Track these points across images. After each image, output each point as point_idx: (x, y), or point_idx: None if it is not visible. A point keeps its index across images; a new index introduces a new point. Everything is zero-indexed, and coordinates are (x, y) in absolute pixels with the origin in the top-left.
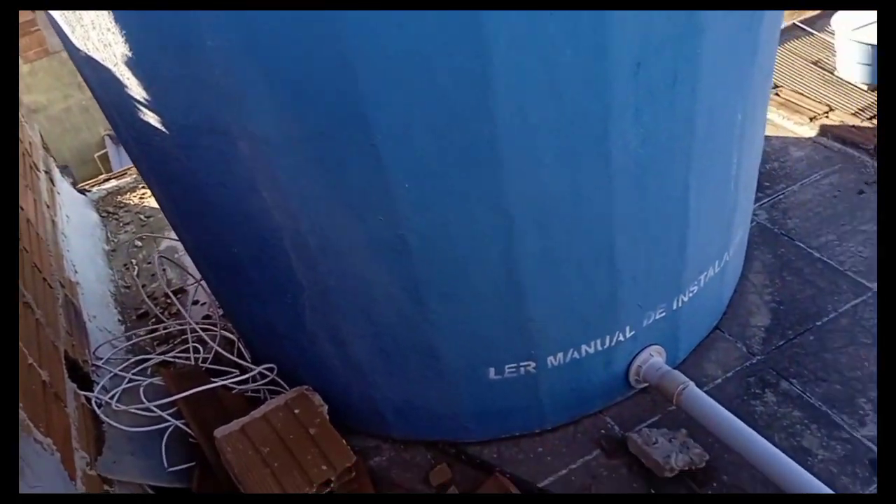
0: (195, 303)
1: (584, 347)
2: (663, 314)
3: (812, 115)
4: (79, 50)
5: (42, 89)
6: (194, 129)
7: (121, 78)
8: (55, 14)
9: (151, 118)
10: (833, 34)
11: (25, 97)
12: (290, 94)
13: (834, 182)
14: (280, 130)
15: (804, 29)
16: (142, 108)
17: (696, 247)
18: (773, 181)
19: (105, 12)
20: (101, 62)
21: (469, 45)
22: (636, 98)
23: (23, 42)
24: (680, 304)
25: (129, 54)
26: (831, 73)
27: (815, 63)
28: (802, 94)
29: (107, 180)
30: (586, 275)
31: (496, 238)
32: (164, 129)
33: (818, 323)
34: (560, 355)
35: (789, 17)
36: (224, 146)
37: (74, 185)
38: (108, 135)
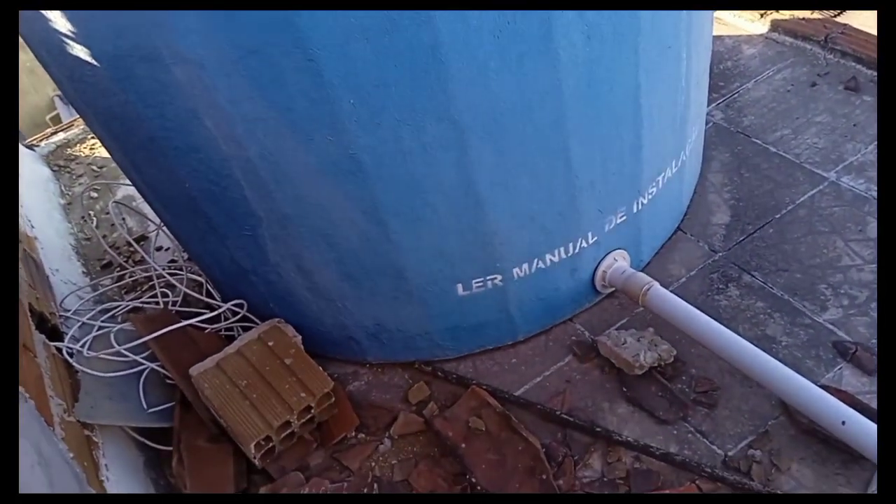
0: (158, 248)
1: (548, 257)
2: (624, 218)
3: (762, 10)
4: None
5: None
6: (126, 57)
7: (44, 13)
8: None
9: (80, 51)
10: None
11: None
12: (217, 14)
13: (787, 76)
14: (212, 51)
15: None
16: (68, 40)
17: (652, 147)
18: (727, 80)
19: None
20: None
21: None
22: None
23: None
24: (640, 207)
25: None
26: None
27: None
28: None
29: (54, 133)
30: (543, 182)
31: (448, 150)
32: (94, 62)
33: (777, 216)
34: (525, 266)
35: None
36: (159, 74)
37: (22, 141)
38: (57, 95)
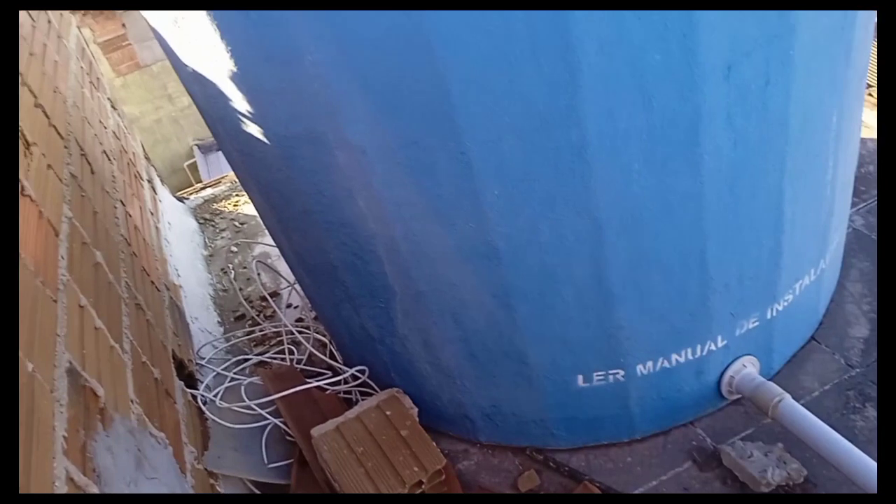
0: (289, 306)
1: (674, 356)
2: (757, 323)
3: None
4: (186, 66)
5: (135, 101)
6: (294, 139)
7: (226, 92)
8: (163, 33)
9: (254, 130)
10: None
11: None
12: (384, 105)
13: None
14: (375, 139)
15: None
16: (245, 120)
17: (791, 254)
18: (868, 185)
19: (212, 28)
20: (208, 77)
21: (557, 51)
22: (728, 101)
23: (115, 56)
24: (774, 314)
25: (235, 69)
26: None
27: None
28: None
29: (203, 188)
30: (677, 282)
31: (585, 243)
32: (265, 140)
33: None
34: (650, 364)
35: None
36: (322, 155)
37: (172, 192)
38: (197, 144)
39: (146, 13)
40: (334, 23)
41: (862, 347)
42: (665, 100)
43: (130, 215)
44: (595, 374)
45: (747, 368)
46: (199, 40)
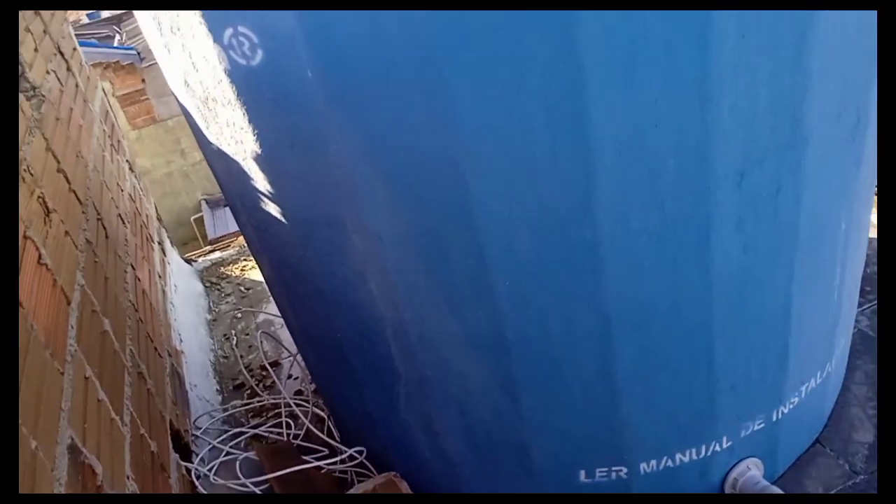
0: (289, 377)
1: (678, 455)
2: (762, 425)
3: None
4: (211, 143)
5: (147, 154)
6: (312, 221)
7: (248, 172)
8: (192, 111)
9: (273, 209)
10: None
11: None
12: (403, 196)
13: None
14: (392, 227)
15: None
16: (265, 199)
17: (798, 357)
18: (874, 286)
19: (240, 112)
20: (232, 156)
21: (575, 153)
22: (739, 207)
23: (132, 110)
24: (779, 416)
25: (259, 151)
26: None
27: None
28: None
29: (212, 251)
30: (683, 381)
31: (593, 338)
32: (283, 220)
33: None
34: (653, 462)
35: None
36: (338, 239)
37: (179, 253)
38: (205, 199)
39: (178, 97)
40: (359, 116)
41: (866, 453)
42: (678, 203)
43: (140, 279)
44: (598, 469)
45: (751, 471)
46: (227, 121)
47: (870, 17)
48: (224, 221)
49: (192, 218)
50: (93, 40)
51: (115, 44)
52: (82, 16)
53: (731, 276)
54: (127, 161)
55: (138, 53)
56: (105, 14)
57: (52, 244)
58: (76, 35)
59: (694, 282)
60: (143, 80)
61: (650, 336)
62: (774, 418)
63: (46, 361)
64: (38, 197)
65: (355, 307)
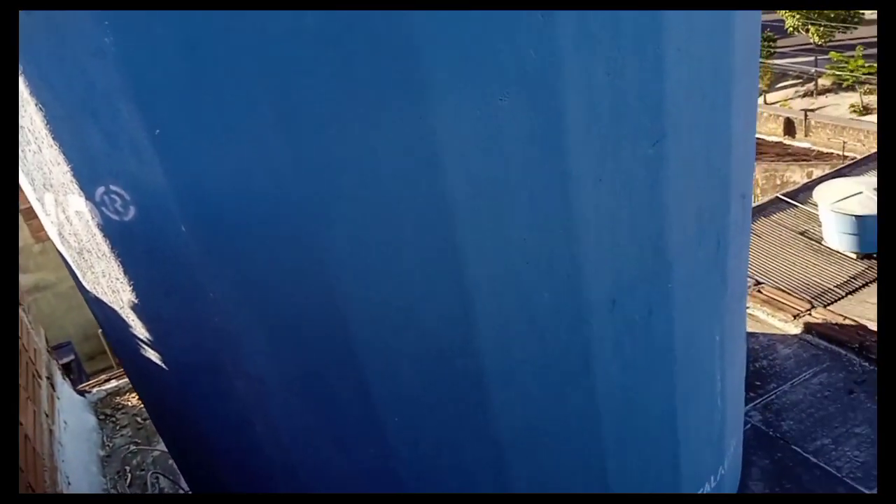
0: None
1: None
2: None
3: (795, 312)
4: (88, 291)
5: (52, 267)
6: (193, 366)
7: (126, 319)
8: (67, 259)
9: (152, 355)
10: (816, 206)
11: (35, 275)
12: (284, 340)
13: (823, 381)
14: (273, 370)
15: (788, 202)
16: (144, 345)
17: (690, 464)
18: (763, 380)
19: (115, 264)
20: (109, 304)
21: (451, 291)
22: (614, 331)
23: (35, 223)
24: None
25: (135, 300)
26: (819, 243)
27: (801, 233)
28: (784, 291)
29: (107, 380)
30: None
31: (487, 468)
32: (163, 366)
33: None
34: None
35: (772, 191)
36: (220, 383)
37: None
38: None
39: (56, 246)
40: (236, 266)
41: None
42: (556, 333)
43: (22, 424)
44: None
45: None
46: (102, 272)
47: (720, 154)
48: None
49: (100, 331)
50: None
51: None
52: None
53: (614, 395)
54: None
55: None
56: None
57: None
58: None
59: (580, 404)
60: None
61: (542, 460)
62: None
63: None
64: None
65: (240, 451)
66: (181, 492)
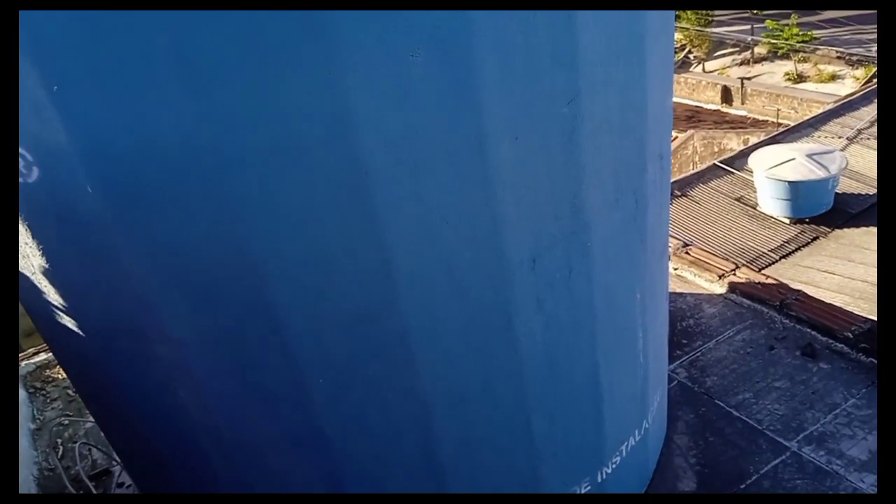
0: (120, 485)
1: None
2: (588, 488)
3: (720, 272)
4: None
5: None
6: (111, 332)
7: (39, 286)
8: None
9: (69, 322)
10: (752, 172)
11: None
12: (201, 300)
13: (746, 338)
14: (193, 332)
15: (725, 168)
16: (60, 313)
17: (613, 419)
18: (689, 338)
19: (23, 228)
20: (21, 270)
21: (371, 250)
22: (536, 289)
23: None
24: (605, 476)
25: (47, 266)
26: (754, 209)
27: (738, 199)
28: (710, 253)
29: (36, 353)
30: (506, 455)
31: (413, 426)
32: (81, 333)
33: (742, 486)
34: None
35: (710, 158)
36: (140, 348)
37: None
38: None
39: None
40: (148, 227)
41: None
42: (478, 291)
43: None
44: None
45: None
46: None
47: (635, 114)
48: None
49: None
50: None
51: None
52: None
53: (537, 353)
54: None
55: None
56: None
57: None
58: None
59: (504, 362)
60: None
61: (469, 417)
62: (599, 479)
63: None
64: None
65: (166, 416)
66: (114, 464)
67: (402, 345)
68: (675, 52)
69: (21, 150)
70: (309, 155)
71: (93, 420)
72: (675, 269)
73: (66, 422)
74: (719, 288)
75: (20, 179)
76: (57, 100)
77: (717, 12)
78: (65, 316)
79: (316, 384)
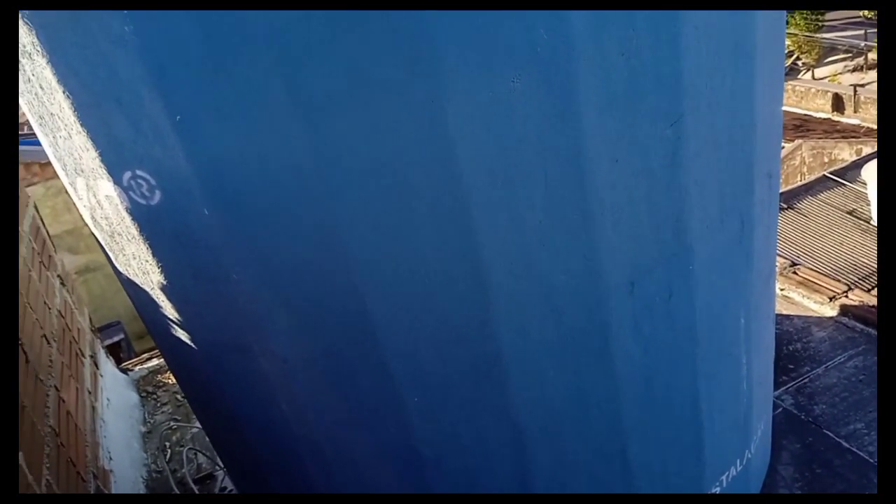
0: (223, 489)
1: None
2: None
3: (831, 294)
4: (121, 273)
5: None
6: (221, 346)
7: (157, 300)
8: (101, 241)
9: (182, 335)
10: (865, 185)
11: (85, 257)
12: (305, 319)
13: (858, 365)
14: (296, 350)
15: (835, 180)
16: (174, 325)
17: (713, 448)
18: (797, 363)
19: (143, 247)
20: (140, 286)
21: (468, 274)
22: (634, 313)
23: None
24: None
25: (164, 282)
26: (867, 223)
27: (849, 213)
28: (819, 273)
29: (149, 359)
30: (600, 481)
31: (506, 448)
32: (193, 345)
33: None
34: None
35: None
36: (247, 362)
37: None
38: None
39: (90, 228)
40: (257, 249)
41: None
42: (573, 314)
43: (64, 401)
44: None
45: None
46: (132, 254)
47: (742, 134)
48: None
49: None
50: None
51: None
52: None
53: (634, 378)
54: (59, 276)
55: None
56: None
57: None
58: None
59: (599, 386)
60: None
61: (563, 442)
62: None
63: None
64: None
65: (269, 428)
66: (217, 468)
67: (495, 367)
68: None
69: (145, 175)
70: (410, 181)
71: (199, 426)
72: (782, 290)
73: (175, 426)
74: (830, 310)
75: (143, 202)
76: (180, 128)
77: (827, 17)
78: (179, 329)
79: (411, 402)
